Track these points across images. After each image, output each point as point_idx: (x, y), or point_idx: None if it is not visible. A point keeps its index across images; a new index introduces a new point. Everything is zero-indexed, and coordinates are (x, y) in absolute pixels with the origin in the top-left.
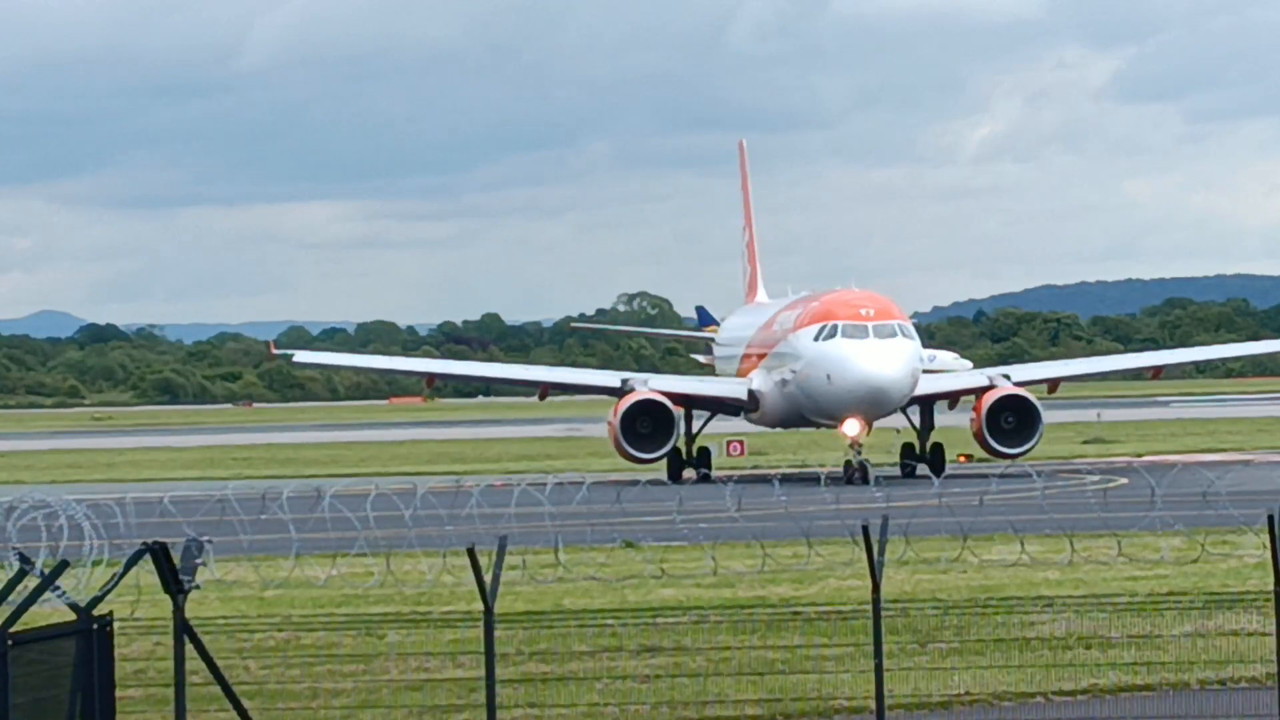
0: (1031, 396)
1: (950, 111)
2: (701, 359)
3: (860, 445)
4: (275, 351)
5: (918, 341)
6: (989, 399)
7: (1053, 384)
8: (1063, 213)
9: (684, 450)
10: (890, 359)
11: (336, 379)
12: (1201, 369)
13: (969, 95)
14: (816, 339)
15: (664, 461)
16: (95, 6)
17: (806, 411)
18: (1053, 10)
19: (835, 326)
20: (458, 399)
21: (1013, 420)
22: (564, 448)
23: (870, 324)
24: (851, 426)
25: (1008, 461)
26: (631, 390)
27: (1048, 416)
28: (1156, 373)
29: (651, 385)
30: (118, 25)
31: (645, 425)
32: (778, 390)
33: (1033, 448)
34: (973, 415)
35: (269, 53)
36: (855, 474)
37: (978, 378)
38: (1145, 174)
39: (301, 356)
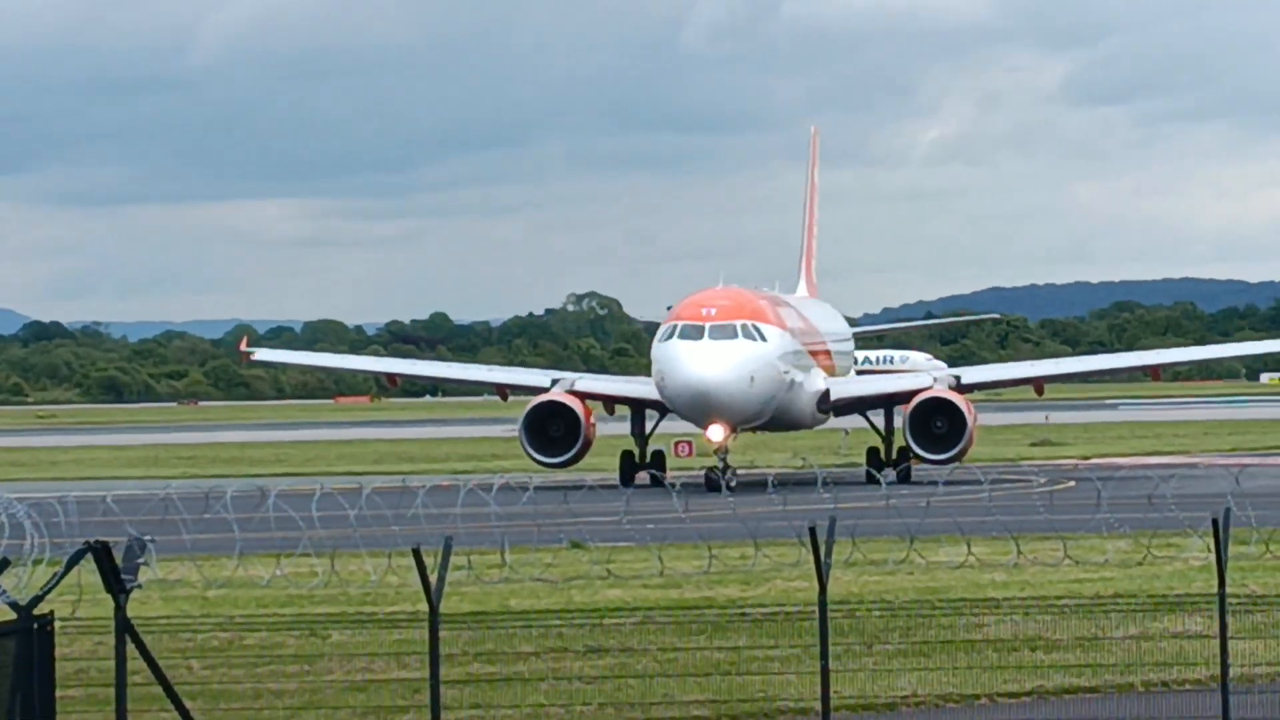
0: (957, 399)
1: (902, 114)
2: None
3: (725, 450)
4: (244, 349)
5: (774, 344)
6: (914, 401)
7: (1039, 384)
8: (1012, 215)
9: (637, 453)
10: (719, 361)
11: (283, 378)
12: (1147, 372)
13: (920, 98)
14: (662, 340)
15: (587, 463)
16: (42, 1)
17: None
18: (1004, 14)
19: (674, 327)
20: (405, 398)
21: (944, 425)
22: (511, 448)
23: (708, 324)
24: (715, 432)
25: (944, 468)
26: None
27: (996, 419)
28: (1156, 373)
29: (578, 386)
30: (65, 20)
31: (557, 428)
32: None
33: (959, 454)
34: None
35: (218, 50)
36: (713, 480)
37: (923, 379)
38: (1095, 177)
39: (262, 354)
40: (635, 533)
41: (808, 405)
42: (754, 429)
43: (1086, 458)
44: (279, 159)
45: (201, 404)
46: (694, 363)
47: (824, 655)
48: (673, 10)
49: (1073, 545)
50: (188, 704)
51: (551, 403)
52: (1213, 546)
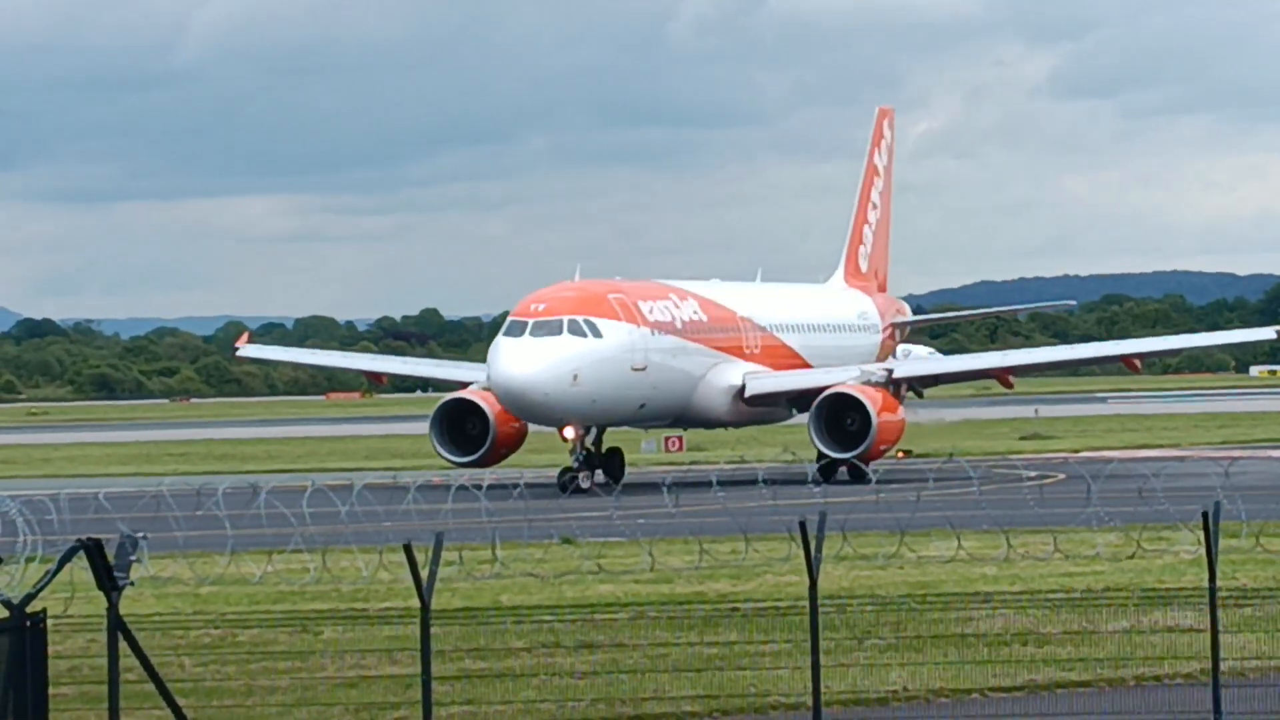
0: (864, 393)
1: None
2: None
3: (579, 450)
4: (242, 345)
5: (614, 340)
6: (819, 397)
7: (1003, 377)
8: (1000, 209)
9: (594, 450)
10: (532, 360)
11: (275, 374)
12: (1124, 364)
13: (907, 91)
14: (498, 336)
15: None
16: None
17: None
18: (991, 7)
19: (507, 323)
20: (397, 394)
21: (855, 421)
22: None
23: (531, 320)
24: (567, 430)
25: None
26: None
27: (985, 413)
28: (1132, 365)
29: None
30: (54, 18)
31: (474, 426)
32: None
33: (864, 452)
34: None
35: (206, 46)
36: (567, 482)
37: (850, 373)
38: (1082, 170)
39: (247, 350)
40: (626, 528)
41: (719, 400)
42: (664, 426)
43: (1076, 451)
44: (267, 155)
45: (193, 401)
46: (509, 361)
47: (815, 650)
48: (659, 5)
49: (1063, 539)
50: (180, 701)
51: (461, 400)
52: (1203, 540)
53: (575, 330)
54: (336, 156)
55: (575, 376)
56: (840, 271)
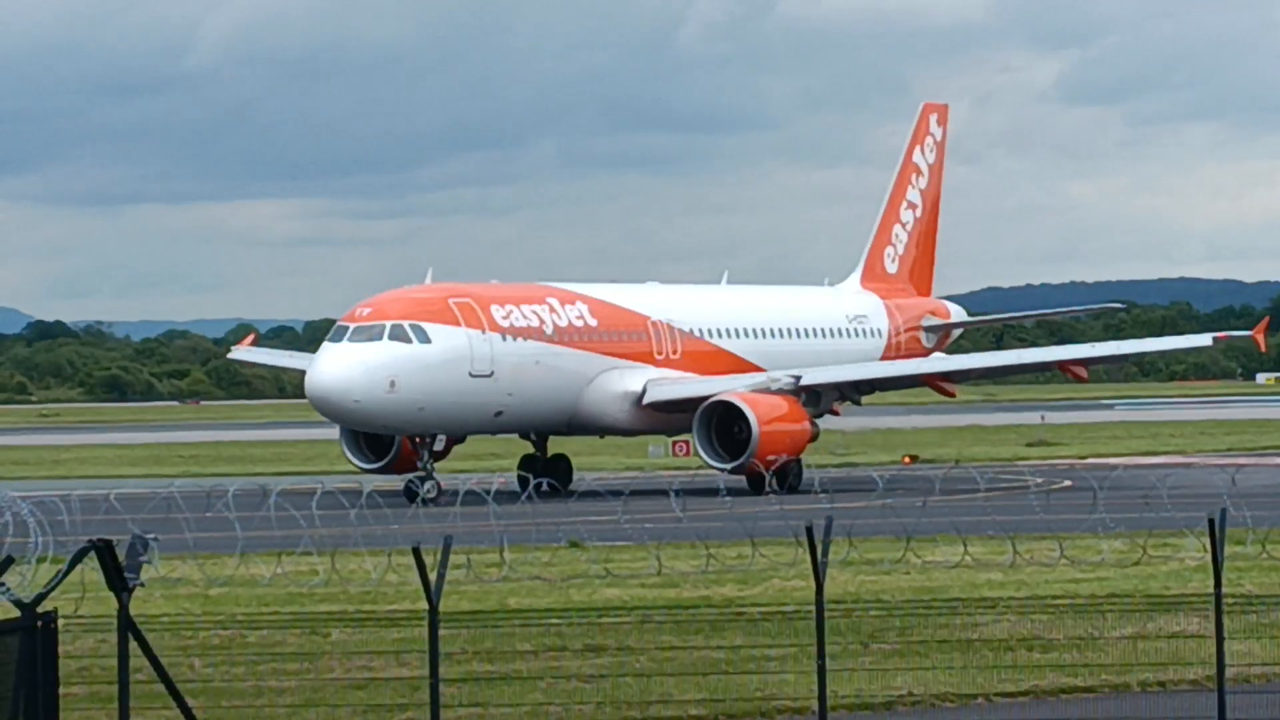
0: (744, 402)
1: (896, 113)
2: None
3: (426, 458)
4: (242, 346)
5: (444, 345)
6: (701, 405)
7: (934, 383)
8: (1007, 215)
9: (540, 456)
10: (343, 366)
11: (285, 377)
12: (1146, 372)
13: (914, 97)
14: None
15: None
16: (44, 3)
17: None
18: (998, 14)
19: (333, 328)
20: None
21: (743, 430)
22: (510, 447)
23: (353, 325)
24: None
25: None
26: None
27: (992, 419)
28: (1068, 370)
29: None
30: (67, 22)
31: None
32: None
33: (745, 462)
34: None
35: (218, 51)
36: (412, 490)
37: (755, 380)
38: (1089, 177)
39: (239, 353)
40: (633, 532)
41: (614, 407)
42: (562, 433)
43: (1083, 458)
44: (278, 159)
45: (203, 403)
46: (321, 366)
47: (820, 654)
48: (668, 11)
49: (1069, 545)
50: (189, 701)
51: None
52: (1209, 546)
53: (398, 336)
54: (347, 160)
55: (392, 383)
56: (857, 274)
